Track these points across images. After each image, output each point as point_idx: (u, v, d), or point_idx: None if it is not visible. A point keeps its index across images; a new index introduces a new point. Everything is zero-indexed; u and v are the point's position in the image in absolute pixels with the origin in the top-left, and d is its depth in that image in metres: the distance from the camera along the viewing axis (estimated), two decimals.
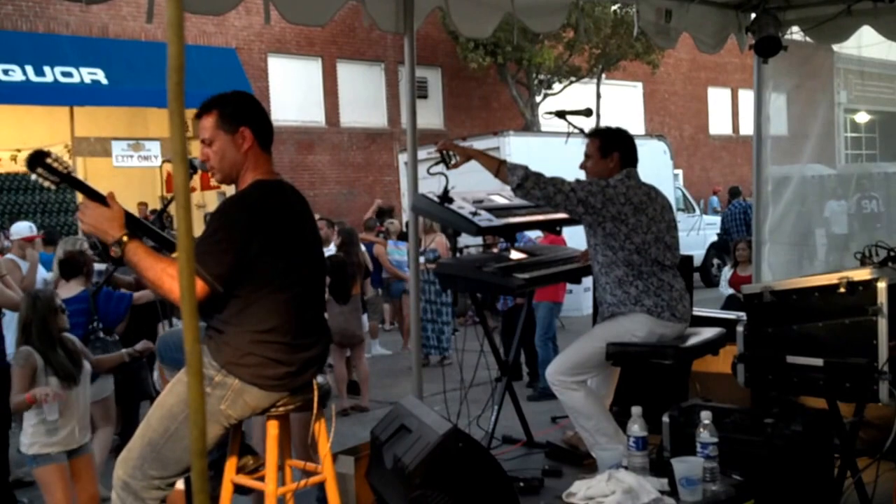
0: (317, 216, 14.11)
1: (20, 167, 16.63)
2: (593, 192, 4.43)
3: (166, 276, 3.01)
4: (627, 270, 4.49)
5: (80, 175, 17.80)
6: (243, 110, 3.30)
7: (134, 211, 3.35)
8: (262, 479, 3.36)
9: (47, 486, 4.78)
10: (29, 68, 15.54)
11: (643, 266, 4.47)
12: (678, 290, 4.58)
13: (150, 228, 3.45)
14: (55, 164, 3.15)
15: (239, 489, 3.54)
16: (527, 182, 4.43)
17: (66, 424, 4.79)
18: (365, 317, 9.16)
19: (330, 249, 9.42)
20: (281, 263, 3.18)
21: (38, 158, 3.14)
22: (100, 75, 16.28)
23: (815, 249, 8.06)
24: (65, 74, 15.92)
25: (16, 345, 4.91)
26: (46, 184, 3.19)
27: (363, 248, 10.59)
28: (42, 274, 8.44)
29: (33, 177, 3.16)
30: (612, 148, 4.65)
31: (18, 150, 16.81)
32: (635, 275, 4.48)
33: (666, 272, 4.55)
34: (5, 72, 15.29)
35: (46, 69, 15.72)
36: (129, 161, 16.98)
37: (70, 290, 6.05)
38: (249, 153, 3.26)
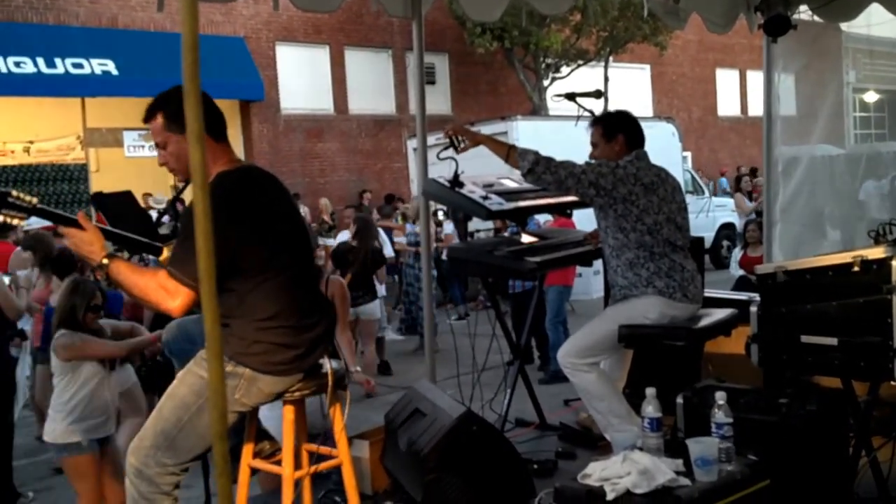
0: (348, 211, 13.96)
1: (33, 159, 16.75)
2: (604, 173, 4.43)
3: (150, 290, 3.05)
4: (639, 252, 4.48)
5: (92, 166, 17.80)
6: None
7: (139, 202, 3.36)
8: (278, 463, 3.38)
9: (77, 476, 4.77)
10: (40, 60, 15.56)
11: (655, 247, 4.46)
12: (690, 272, 4.57)
13: (129, 238, 3.45)
14: (18, 201, 3.14)
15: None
16: (537, 167, 4.42)
17: (97, 410, 4.81)
18: (376, 304, 9.11)
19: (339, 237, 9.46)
20: (265, 250, 3.17)
21: (0, 200, 3.12)
22: (110, 66, 16.29)
23: (827, 230, 8.01)
24: (76, 66, 15.94)
25: (53, 328, 4.95)
26: (15, 221, 3.19)
27: (383, 234, 10.69)
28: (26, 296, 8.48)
29: (0, 218, 3.14)
30: (615, 131, 4.63)
31: (31, 142, 16.90)
32: (647, 256, 4.47)
33: (677, 253, 4.54)
34: (17, 64, 15.32)
35: (57, 61, 15.74)
36: (141, 151, 17.03)
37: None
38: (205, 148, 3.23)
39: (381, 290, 9.62)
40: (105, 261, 3.10)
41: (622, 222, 4.47)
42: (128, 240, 3.45)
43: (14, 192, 3.15)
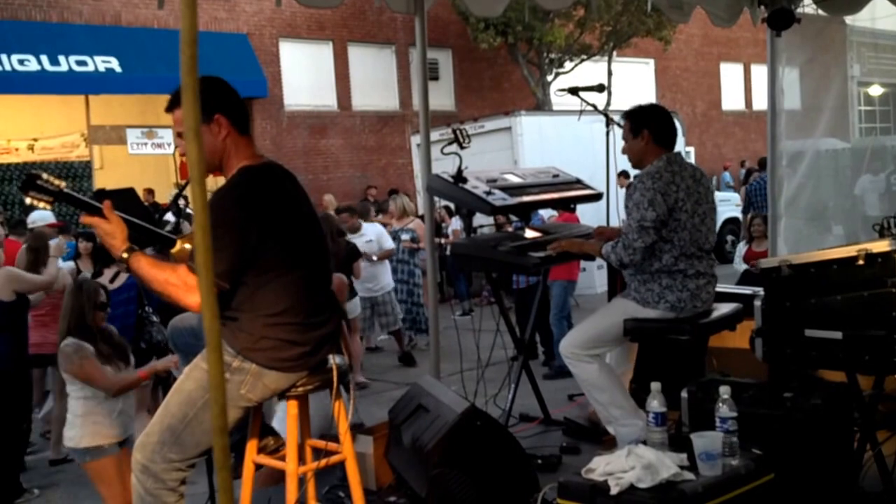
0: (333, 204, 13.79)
1: (37, 156, 16.78)
2: (644, 209, 4.36)
3: (170, 286, 3.03)
4: (654, 274, 4.45)
5: (96, 164, 17.80)
6: (215, 97, 3.19)
7: (140, 197, 3.36)
8: (283, 458, 3.38)
9: (105, 480, 4.69)
10: (44, 58, 15.57)
11: (676, 265, 4.42)
12: (707, 277, 4.54)
13: (146, 228, 3.45)
14: (47, 185, 3.15)
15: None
16: (620, 259, 4.45)
17: (122, 411, 4.78)
18: (355, 301, 8.98)
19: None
20: (283, 246, 3.17)
21: (29, 182, 3.14)
22: (114, 63, 16.31)
23: (831, 224, 7.99)
24: (79, 63, 15.95)
25: (60, 334, 4.89)
26: (41, 205, 3.20)
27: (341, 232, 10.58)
28: (58, 263, 8.50)
29: (28, 200, 3.17)
30: (640, 126, 4.57)
31: (35, 140, 16.94)
32: (665, 274, 4.44)
33: (702, 260, 4.50)
34: (21, 62, 15.33)
35: (61, 58, 15.75)
36: (144, 149, 17.07)
37: (116, 278, 6.00)
38: (228, 140, 3.20)
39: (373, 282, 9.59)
40: (125, 254, 3.08)
41: (659, 241, 4.42)
42: (144, 230, 3.44)
43: (44, 176, 3.18)
